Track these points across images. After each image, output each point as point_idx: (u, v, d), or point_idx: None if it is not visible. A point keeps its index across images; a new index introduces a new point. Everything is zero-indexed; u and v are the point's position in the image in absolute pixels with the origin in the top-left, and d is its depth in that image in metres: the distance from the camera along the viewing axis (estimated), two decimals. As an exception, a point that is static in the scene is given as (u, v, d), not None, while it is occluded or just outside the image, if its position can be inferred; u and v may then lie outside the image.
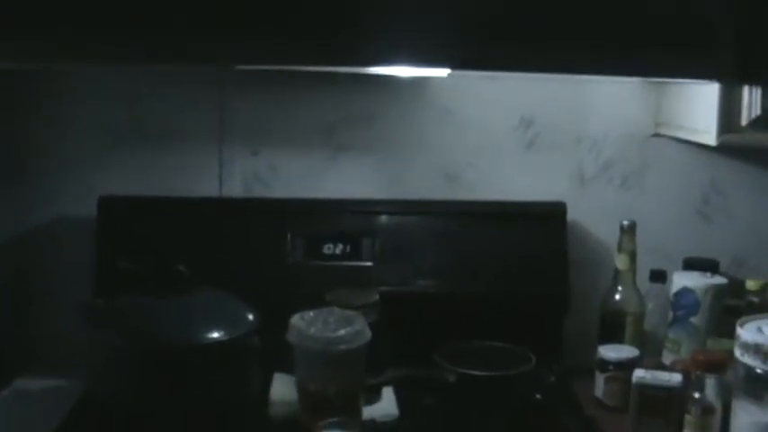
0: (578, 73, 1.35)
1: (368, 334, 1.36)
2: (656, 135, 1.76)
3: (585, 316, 1.67)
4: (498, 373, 1.42)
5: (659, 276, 1.67)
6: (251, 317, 1.38)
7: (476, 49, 1.12)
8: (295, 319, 1.37)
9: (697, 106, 1.57)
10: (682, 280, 1.62)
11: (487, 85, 1.71)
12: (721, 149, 1.63)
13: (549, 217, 1.68)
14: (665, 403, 1.40)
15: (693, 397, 1.36)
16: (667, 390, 1.41)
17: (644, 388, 1.42)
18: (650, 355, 1.59)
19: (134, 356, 1.30)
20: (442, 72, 1.46)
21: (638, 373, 1.44)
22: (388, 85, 1.68)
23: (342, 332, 1.33)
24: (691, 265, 1.69)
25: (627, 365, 1.51)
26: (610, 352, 1.55)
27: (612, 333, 1.61)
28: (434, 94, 1.72)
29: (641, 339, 1.62)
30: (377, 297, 1.51)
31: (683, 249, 1.73)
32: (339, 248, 1.64)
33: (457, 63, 1.18)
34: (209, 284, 1.40)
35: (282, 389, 1.45)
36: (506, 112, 1.74)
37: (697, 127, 1.58)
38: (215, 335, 1.31)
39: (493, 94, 1.72)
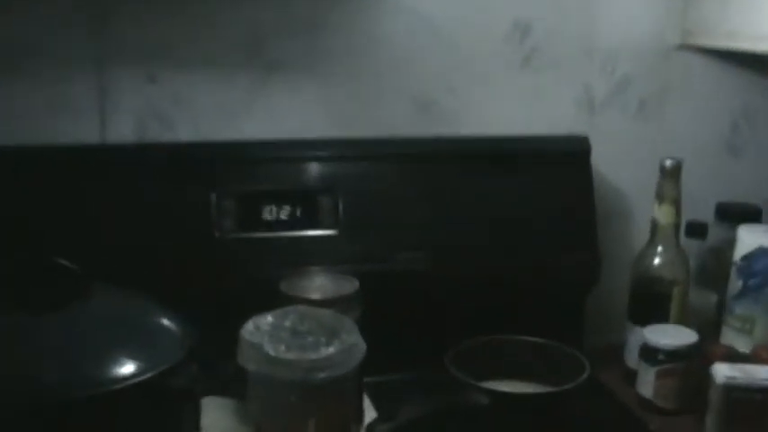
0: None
1: (362, 347, 0.90)
2: (683, 47, 1.37)
3: (609, 287, 1.28)
4: (548, 388, 0.99)
5: (698, 230, 1.29)
6: (177, 330, 0.89)
7: None
8: (248, 332, 0.89)
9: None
10: (752, 238, 1.20)
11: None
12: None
13: (568, 158, 1.25)
14: (760, 409, 1.03)
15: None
16: (764, 392, 1.04)
17: (735, 391, 1.04)
18: (703, 338, 1.20)
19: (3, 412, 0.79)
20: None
21: (723, 371, 1.05)
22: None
23: (330, 350, 0.86)
24: (725, 211, 1.31)
25: (686, 355, 1.15)
26: (659, 336, 1.16)
27: (651, 309, 1.23)
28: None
29: (687, 317, 1.24)
30: (357, 284, 1.04)
31: (712, 191, 1.36)
32: (285, 212, 1.15)
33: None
34: (107, 283, 0.89)
35: (217, 419, 0.99)
36: (495, 16, 1.30)
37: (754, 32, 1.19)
38: (127, 370, 0.81)
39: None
